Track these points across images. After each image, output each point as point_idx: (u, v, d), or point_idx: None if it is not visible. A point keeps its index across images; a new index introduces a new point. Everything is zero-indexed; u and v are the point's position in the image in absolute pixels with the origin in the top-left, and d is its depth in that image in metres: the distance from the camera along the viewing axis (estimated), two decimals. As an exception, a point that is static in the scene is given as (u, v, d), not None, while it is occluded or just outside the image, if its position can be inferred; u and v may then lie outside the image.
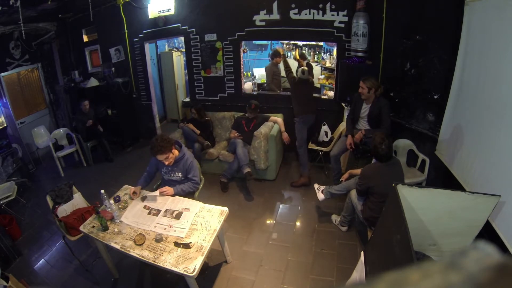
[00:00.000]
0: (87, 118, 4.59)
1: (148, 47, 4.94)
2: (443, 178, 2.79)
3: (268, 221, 3.21)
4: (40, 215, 3.55)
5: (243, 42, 4.52)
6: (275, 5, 3.83)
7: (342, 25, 3.67)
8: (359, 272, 2.02)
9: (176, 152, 2.50)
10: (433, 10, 2.90)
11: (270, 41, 6.39)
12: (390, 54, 3.45)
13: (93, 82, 4.94)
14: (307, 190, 3.63)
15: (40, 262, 2.88)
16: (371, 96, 3.01)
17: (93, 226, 2.25)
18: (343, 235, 2.90)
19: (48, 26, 4.94)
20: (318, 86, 5.28)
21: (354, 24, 3.40)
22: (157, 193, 2.47)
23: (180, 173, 2.57)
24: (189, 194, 2.62)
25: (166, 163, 2.43)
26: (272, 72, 4.97)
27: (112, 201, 2.31)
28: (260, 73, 6.15)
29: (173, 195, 2.49)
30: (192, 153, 3.83)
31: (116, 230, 2.19)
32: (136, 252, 2.00)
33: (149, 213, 2.34)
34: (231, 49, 4.27)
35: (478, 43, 2.23)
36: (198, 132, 4.02)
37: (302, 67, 3.67)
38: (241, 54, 4.40)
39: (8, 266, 2.74)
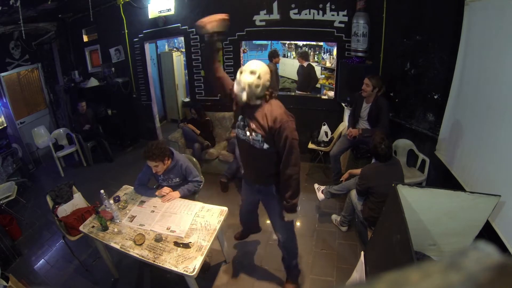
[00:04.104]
0: (83, 119, 4.60)
1: (148, 47, 4.94)
2: (443, 178, 2.79)
3: (268, 221, 3.18)
4: (40, 215, 3.55)
5: (243, 42, 4.53)
6: (275, 5, 3.83)
7: (342, 25, 3.67)
8: (359, 272, 2.01)
9: (168, 162, 2.43)
10: (433, 10, 2.90)
11: (270, 41, 6.39)
12: (390, 54, 3.45)
13: (93, 82, 4.94)
14: (307, 190, 3.63)
15: (40, 262, 2.88)
16: (373, 95, 3.00)
17: (93, 226, 2.25)
18: (343, 235, 2.90)
19: (48, 26, 4.94)
20: (318, 86, 5.29)
21: (354, 24, 3.40)
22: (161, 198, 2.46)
23: (178, 178, 2.54)
24: (194, 193, 2.62)
25: (154, 171, 2.41)
26: (274, 72, 4.98)
27: (112, 201, 2.31)
28: (260, 73, 6.15)
29: (180, 197, 2.47)
30: (192, 153, 3.84)
31: (116, 230, 2.19)
32: (136, 252, 1.99)
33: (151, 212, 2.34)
34: (231, 49, 4.27)
35: (478, 43, 2.23)
36: (198, 132, 4.02)
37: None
38: (241, 54, 4.40)
39: (8, 266, 2.74)
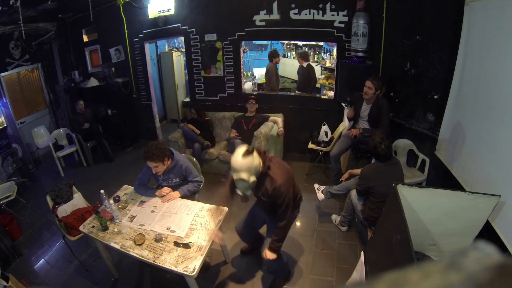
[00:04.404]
0: (82, 118, 4.60)
1: (148, 47, 4.94)
2: (443, 178, 2.79)
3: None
4: (40, 215, 3.55)
5: (243, 42, 4.53)
6: (275, 5, 3.83)
7: (342, 25, 3.67)
8: (359, 272, 2.01)
9: (168, 162, 2.43)
10: (433, 10, 2.90)
11: (270, 41, 6.40)
12: (390, 54, 3.45)
13: (93, 82, 4.94)
14: (307, 190, 3.63)
15: (40, 262, 2.88)
16: (374, 96, 3.00)
17: (93, 226, 2.25)
18: (343, 235, 2.90)
19: (48, 26, 4.94)
20: (318, 86, 5.29)
21: (354, 24, 3.40)
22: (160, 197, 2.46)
23: (178, 178, 2.55)
24: (194, 194, 2.62)
25: (154, 171, 2.41)
26: (274, 72, 4.98)
27: (112, 201, 2.31)
28: (260, 73, 6.16)
29: (180, 197, 2.48)
30: (192, 153, 3.84)
31: (116, 230, 2.19)
32: (136, 252, 1.99)
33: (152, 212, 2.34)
34: (231, 49, 4.27)
35: (478, 43, 2.23)
36: (198, 132, 4.02)
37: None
38: (241, 54, 4.40)
39: (8, 266, 2.74)
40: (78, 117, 4.62)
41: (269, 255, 2.05)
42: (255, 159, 1.77)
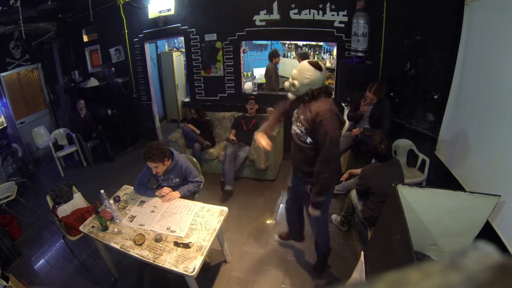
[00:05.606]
0: (81, 119, 4.59)
1: (148, 47, 4.95)
2: (443, 178, 2.79)
3: (268, 221, 3.21)
4: (40, 215, 3.55)
5: (243, 42, 4.53)
6: (275, 5, 3.83)
7: (342, 25, 3.67)
8: (359, 272, 2.01)
9: (168, 163, 2.44)
10: (433, 10, 2.89)
11: (270, 41, 6.40)
12: (390, 54, 3.45)
13: (93, 82, 4.94)
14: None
15: (40, 262, 2.88)
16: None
17: (93, 226, 2.25)
18: (343, 235, 2.90)
19: (48, 26, 4.95)
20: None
21: (354, 24, 3.40)
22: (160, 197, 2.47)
23: (178, 179, 2.55)
24: (193, 194, 2.62)
25: (154, 172, 2.42)
26: (274, 72, 4.98)
27: (112, 201, 2.31)
28: (260, 73, 6.16)
29: (180, 197, 2.48)
30: (192, 153, 3.84)
31: (116, 230, 2.19)
32: (136, 252, 2.00)
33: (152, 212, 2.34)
34: (231, 49, 4.27)
35: (478, 43, 2.23)
36: (198, 132, 4.02)
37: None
38: (241, 54, 4.40)
39: (8, 266, 2.74)
40: (78, 116, 4.61)
41: (311, 210, 1.95)
42: (318, 76, 1.77)
